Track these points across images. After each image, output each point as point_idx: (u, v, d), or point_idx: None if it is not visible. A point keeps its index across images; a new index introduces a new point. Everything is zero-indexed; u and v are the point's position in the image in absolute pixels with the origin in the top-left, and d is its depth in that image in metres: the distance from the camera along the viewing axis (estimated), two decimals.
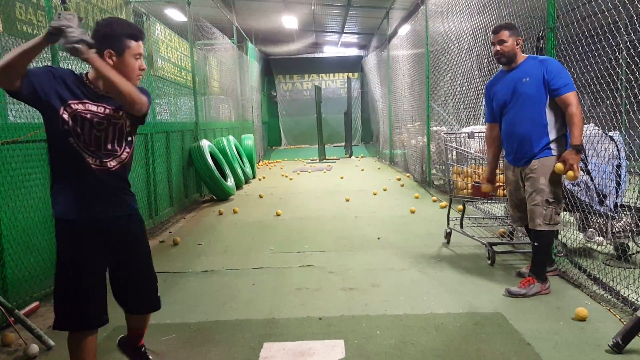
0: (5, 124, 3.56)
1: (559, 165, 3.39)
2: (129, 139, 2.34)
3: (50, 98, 2.12)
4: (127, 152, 2.33)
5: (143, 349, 2.72)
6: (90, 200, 2.23)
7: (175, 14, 10.57)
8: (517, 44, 3.60)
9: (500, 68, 3.79)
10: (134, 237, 2.42)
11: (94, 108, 2.21)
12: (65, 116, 2.15)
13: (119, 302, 2.49)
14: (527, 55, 3.69)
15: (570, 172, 3.34)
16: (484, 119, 5.49)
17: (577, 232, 4.29)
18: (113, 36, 2.19)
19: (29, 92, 2.06)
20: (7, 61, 1.92)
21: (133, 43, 2.24)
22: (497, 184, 4.85)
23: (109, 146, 2.26)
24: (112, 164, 2.26)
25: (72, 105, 2.16)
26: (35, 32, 4.06)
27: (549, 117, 3.47)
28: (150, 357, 2.73)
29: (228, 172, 8.78)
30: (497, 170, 4.51)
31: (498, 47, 3.60)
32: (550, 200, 3.47)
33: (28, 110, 3.91)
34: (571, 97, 3.38)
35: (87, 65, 2.07)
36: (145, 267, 2.48)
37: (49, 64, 4.12)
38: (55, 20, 1.93)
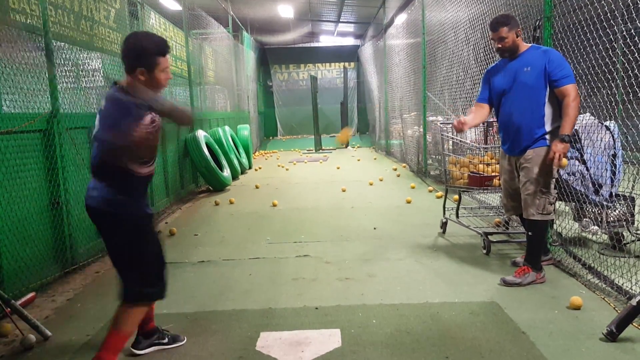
0: None
1: (565, 162, 3.40)
2: None
3: None
4: None
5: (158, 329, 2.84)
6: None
7: (170, 3, 10.46)
8: (518, 36, 3.57)
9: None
10: None
11: None
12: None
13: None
14: (530, 44, 3.67)
15: (564, 161, 3.37)
16: None
17: (573, 221, 4.30)
18: (144, 55, 2.33)
19: None
20: None
21: (162, 59, 2.39)
22: (493, 174, 4.87)
23: None
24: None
25: None
26: (29, 21, 4.01)
27: (547, 108, 3.47)
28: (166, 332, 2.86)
29: (224, 162, 8.76)
30: (492, 160, 4.53)
31: (499, 45, 3.59)
32: (544, 190, 3.49)
33: (22, 101, 3.87)
34: (570, 88, 3.38)
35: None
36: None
37: (43, 53, 4.08)
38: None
